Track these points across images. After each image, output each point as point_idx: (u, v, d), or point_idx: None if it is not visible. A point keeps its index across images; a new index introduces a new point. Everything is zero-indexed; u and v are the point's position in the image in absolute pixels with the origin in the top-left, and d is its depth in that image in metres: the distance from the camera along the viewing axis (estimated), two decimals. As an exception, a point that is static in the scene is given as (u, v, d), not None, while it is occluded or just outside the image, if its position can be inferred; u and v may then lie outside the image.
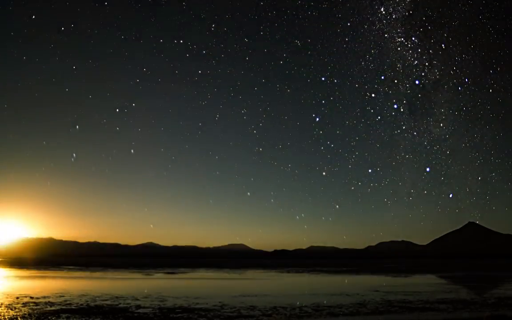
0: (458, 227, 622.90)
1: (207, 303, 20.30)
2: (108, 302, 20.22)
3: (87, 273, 50.99)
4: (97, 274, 50.41)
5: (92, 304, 19.53)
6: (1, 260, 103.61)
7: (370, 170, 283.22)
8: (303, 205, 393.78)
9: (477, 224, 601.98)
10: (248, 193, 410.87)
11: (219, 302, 20.86)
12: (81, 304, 19.28)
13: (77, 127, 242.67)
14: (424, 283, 37.92)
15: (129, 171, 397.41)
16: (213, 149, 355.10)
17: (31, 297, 21.55)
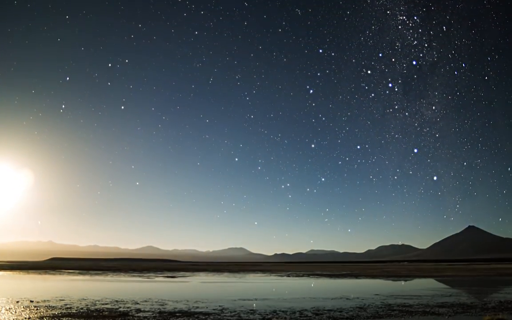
0: (458, 231, 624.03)
1: (207, 307, 20.32)
2: (108, 306, 20.23)
3: (87, 277, 50.96)
4: (97, 277, 50.37)
5: (92, 308, 19.54)
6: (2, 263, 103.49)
7: (358, 146, 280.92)
8: (289, 175, 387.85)
9: (477, 228, 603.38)
10: (236, 159, 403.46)
11: (219, 306, 20.87)
12: (81, 308, 19.29)
13: (68, 78, 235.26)
14: (424, 287, 37.89)
15: (118, 126, 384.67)
16: (204, 112, 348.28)
17: (31, 301, 21.56)
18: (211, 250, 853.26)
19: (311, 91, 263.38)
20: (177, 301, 22.67)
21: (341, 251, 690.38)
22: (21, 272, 59.36)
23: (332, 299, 24.76)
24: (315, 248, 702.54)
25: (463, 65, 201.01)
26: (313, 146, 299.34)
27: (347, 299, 24.57)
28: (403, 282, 45.71)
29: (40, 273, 58.06)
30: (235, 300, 23.97)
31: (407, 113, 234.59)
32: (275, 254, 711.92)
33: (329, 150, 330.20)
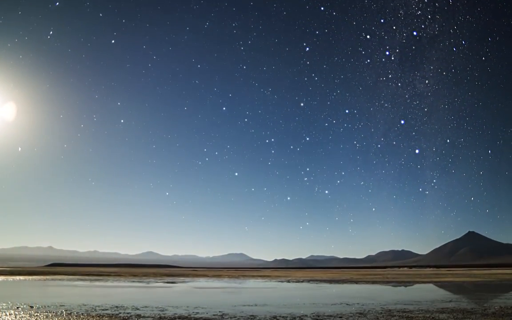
0: (458, 237, 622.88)
1: (207, 313, 20.32)
2: (108, 312, 20.24)
3: (87, 282, 50.87)
4: (97, 283, 50.28)
5: (92, 313, 19.56)
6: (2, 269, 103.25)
7: (347, 111, 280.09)
8: (275, 130, 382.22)
9: (477, 233, 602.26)
10: (224, 108, 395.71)
11: (219, 311, 20.87)
12: (81, 314, 19.31)
13: (57, 4, 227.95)
14: (424, 292, 37.86)
15: (107, 60, 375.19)
16: (196, 57, 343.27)
17: (31, 306, 21.57)
18: (211, 255, 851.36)
19: (307, 48, 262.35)
20: (177, 307, 22.68)
21: (341, 257, 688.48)
22: (21, 278, 59.25)
23: (332, 304, 24.75)
24: (315, 254, 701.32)
25: (463, 42, 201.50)
26: (302, 104, 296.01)
27: (347, 304, 24.56)
28: (403, 288, 45.64)
29: (40, 279, 57.95)
30: (235, 305, 23.97)
31: (399, 84, 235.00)
32: (275, 260, 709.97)
33: (318, 111, 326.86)
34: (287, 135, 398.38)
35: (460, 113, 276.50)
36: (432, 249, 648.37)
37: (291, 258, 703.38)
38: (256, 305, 24.37)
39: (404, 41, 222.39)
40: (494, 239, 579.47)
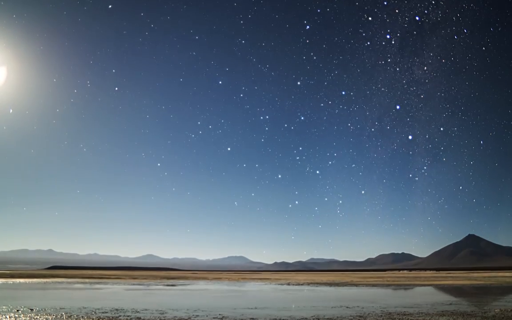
0: (458, 240, 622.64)
1: (207, 315, 20.34)
2: (108, 315, 20.25)
3: (87, 285, 50.85)
4: (97, 286, 50.25)
5: (92, 316, 19.57)
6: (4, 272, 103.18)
7: (343, 92, 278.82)
8: (270, 108, 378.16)
9: (476, 236, 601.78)
10: (220, 82, 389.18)
11: (219, 314, 20.88)
12: (81, 317, 19.32)
13: None
14: (424, 295, 37.85)
15: (103, 25, 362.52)
16: (194, 28, 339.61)
17: (32, 309, 21.57)
18: (211, 258, 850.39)
19: (308, 27, 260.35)
20: (177, 310, 22.68)
21: (341, 259, 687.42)
22: (21, 281, 59.20)
23: (332, 307, 24.76)
24: (315, 257, 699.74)
25: (465, 30, 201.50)
26: (298, 83, 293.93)
27: (347, 307, 24.56)
28: (403, 291, 45.62)
29: (40, 282, 57.91)
30: (235, 308, 23.98)
31: (397, 68, 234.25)
32: (275, 263, 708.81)
33: (314, 90, 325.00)
34: (282, 113, 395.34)
35: (456, 102, 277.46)
36: (432, 252, 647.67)
37: (291, 261, 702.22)
38: (256, 308, 24.37)
39: (405, 25, 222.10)
40: (494, 242, 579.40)
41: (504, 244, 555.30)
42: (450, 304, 27.13)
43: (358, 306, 25.17)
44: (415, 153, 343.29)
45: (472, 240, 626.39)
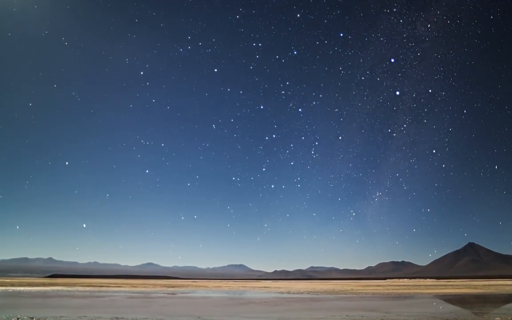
0: (458, 248, 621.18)
1: (207, 324, 20.34)
2: (109, 323, 20.26)
3: (87, 294, 50.70)
4: (97, 294, 50.12)
5: (93, 325, 19.57)
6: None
7: (341, 34, 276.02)
8: (264, 35, 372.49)
9: (477, 244, 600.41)
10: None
11: (220, 323, 20.88)
12: (82, 325, 19.33)
13: None
14: (424, 304, 37.75)
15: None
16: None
17: (31, 318, 21.57)
18: (211, 266, 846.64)
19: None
20: (177, 318, 22.67)
21: (341, 268, 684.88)
22: (21, 289, 59.04)
23: (332, 316, 24.74)
24: (315, 265, 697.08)
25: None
26: (298, 15, 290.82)
27: (347, 316, 24.55)
28: (403, 299, 45.49)
29: (40, 290, 57.74)
30: (235, 317, 23.96)
31: (401, 20, 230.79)
32: (275, 271, 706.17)
33: (312, 26, 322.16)
34: (275, 43, 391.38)
35: (450, 67, 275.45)
36: (432, 260, 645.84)
37: (291, 269, 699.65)
38: (257, 317, 24.36)
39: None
40: (494, 250, 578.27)
41: (504, 252, 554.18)
42: (451, 312, 27.12)
43: (358, 315, 25.16)
44: (398, 110, 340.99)
45: (472, 249, 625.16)
